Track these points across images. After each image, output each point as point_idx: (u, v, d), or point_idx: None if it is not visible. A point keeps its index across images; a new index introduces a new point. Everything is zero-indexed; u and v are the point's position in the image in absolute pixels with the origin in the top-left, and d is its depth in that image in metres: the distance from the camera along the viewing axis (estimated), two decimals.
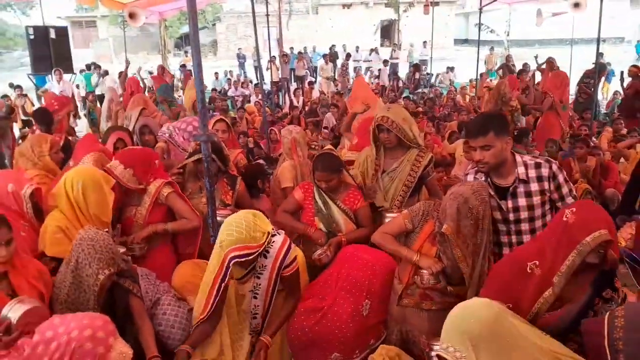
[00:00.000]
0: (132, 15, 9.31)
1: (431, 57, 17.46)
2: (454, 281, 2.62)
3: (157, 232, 3.20)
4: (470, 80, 14.86)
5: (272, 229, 2.61)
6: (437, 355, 1.86)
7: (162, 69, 11.55)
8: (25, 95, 11.90)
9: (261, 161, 5.70)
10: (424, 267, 2.60)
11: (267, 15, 9.82)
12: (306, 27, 29.44)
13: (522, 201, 2.65)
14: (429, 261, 2.60)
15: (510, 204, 2.66)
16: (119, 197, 3.24)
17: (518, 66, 13.47)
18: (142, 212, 3.25)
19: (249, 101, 14.16)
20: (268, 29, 10.00)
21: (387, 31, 31.46)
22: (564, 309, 2.14)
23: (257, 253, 2.49)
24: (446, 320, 1.83)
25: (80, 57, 18.21)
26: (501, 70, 13.62)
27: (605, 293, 2.13)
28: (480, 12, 12.03)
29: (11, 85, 13.57)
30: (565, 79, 7.99)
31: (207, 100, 13.02)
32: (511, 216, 2.67)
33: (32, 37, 11.95)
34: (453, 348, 1.76)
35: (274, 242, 2.60)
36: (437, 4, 15.97)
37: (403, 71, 19.94)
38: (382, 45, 28.62)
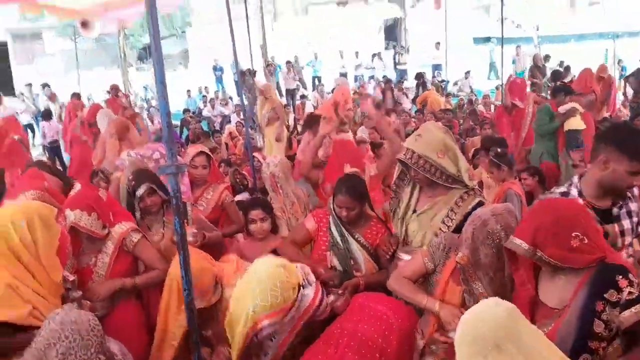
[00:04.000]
0: (85, 25, 9.42)
1: (446, 61, 17.64)
2: None
3: (124, 289, 3.19)
4: (497, 87, 15.03)
5: (303, 280, 2.73)
6: None
7: (116, 90, 11.55)
8: None
9: (245, 194, 5.70)
10: (444, 320, 2.58)
11: (247, 17, 9.93)
12: (294, 31, 29.78)
13: (626, 224, 2.72)
14: (451, 313, 2.57)
15: (617, 227, 2.68)
16: (76, 243, 3.21)
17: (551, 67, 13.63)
18: (105, 261, 3.25)
19: (229, 122, 14.25)
20: (249, 34, 10.10)
21: (392, 32, 31.84)
22: (558, 322, 2.15)
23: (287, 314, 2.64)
24: (456, 332, 1.85)
25: (24, 75, 18.40)
26: (530, 73, 13.79)
27: (609, 295, 2.08)
28: (503, 4, 12.18)
29: None
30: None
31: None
32: (619, 242, 2.70)
33: None
34: None
35: (305, 295, 2.73)
36: None
37: (412, 79, 20.13)
38: (386, 48, 28.93)
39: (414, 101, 15.22)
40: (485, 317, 1.80)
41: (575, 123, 6.45)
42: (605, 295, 2.06)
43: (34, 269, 2.77)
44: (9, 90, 12.79)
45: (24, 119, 14.68)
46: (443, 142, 3.10)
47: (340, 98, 6.20)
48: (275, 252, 3.55)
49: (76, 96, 12.29)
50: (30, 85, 17.52)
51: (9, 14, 26.09)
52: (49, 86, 16.36)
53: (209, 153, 4.41)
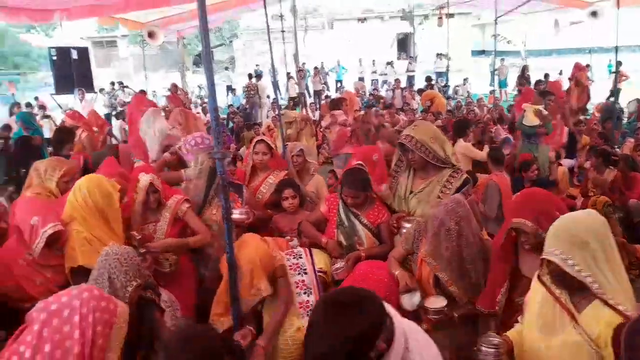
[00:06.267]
0: (151, 35, 9.50)
1: (447, 69, 17.39)
2: (461, 302, 2.60)
3: (178, 246, 3.18)
4: (491, 92, 14.80)
5: None
6: (543, 260, 1.87)
7: (176, 87, 11.64)
8: (49, 116, 12.15)
9: None
10: (399, 281, 2.63)
11: (283, 31, 9.91)
12: (322, 43, 29.59)
13: None
14: (402, 277, 2.63)
15: None
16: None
17: (535, 77, 13.40)
18: (163, 227, 3.29)
19: (267, 117, 14.25)
20: (284, 45, 10.07)
21: (404, 44, 31.47)
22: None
23: None
24: (551, 229, 1.89)
25: (102, 76, 18.62)
26: (518, 81, 13.58)
27: None
28: (496, 23, 11.99)
29: (28, 105, 13.90)
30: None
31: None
32: None
33: (54, 57, 12.22)
34: (559, 251, 1.79)
35: None
36: (452, 15, 15.87)
37: (420, 84, 19.92)
38: (399, 58, 28.60)
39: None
40: (581, 220, 1.86)
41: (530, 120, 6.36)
42: None
43: (107, 229, 2.92)
44: (90, 88, 12.95)
45: (103, 110, 14.90)
46: (434, 131, 3.31)
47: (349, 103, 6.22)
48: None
49: (142, 92, 12.39)
50: (113, 83, 17.72)
51: (90, 25, 26.40)
52: (122, 83, 16.51)
53: (268, 141, 4.24)
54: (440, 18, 17.96)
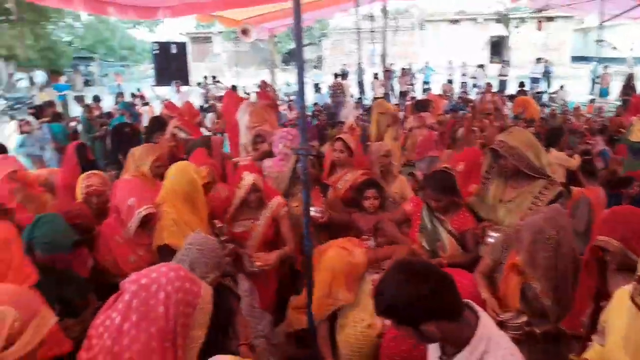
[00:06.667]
0: (244, 32, 9.85)
1: (549, 74, 16.53)
2: (552, 317, 2.46)
3: (284, 256, 3.25)
4: (591, 101, 13.89)
5: None
6: (638, 278, 1.76)
7: (265, 84, 11.99)
8: (147, 104, 13.01)
9: None
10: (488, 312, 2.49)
11: (372, 31, 9.91)
12: (412, 44, 29.22)
13: None
14: (489, 306, 2.53)
15: None
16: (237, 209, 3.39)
17: None
18: (260, 227, 3.33)
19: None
20: (373, 45, 10.07)
21: (497, 47, 30.32)
22: None
23: None
24: None
25: (197, 70, 19.68)
26: (623, 91, 12.63)
27: None
28: (601, 28, 11.24)
29: (133, 95, 14.96)
30: None
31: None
32: None
33: (156, 52, 13.06)
34: None
35: None
36: (552, 19, 15.09)
37: (513, 89, 19.14)
38: (491, 61, 27.62)
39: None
40: None
41: (637, 135, 5.86)
42: None
43: (193, 214, 3.05)
44: (185, 81, 13.72)
45: (197, 103, 15.70)
46: (529, 138, 3.13)
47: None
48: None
49: (233, 88, 12.88)
50: (206, 77, 18.77)
51: (189, 22, 27.86)
52: (214, 78, 17.25)
53: (345, 139, 4.26)
54: (539, 21, 17.11)
